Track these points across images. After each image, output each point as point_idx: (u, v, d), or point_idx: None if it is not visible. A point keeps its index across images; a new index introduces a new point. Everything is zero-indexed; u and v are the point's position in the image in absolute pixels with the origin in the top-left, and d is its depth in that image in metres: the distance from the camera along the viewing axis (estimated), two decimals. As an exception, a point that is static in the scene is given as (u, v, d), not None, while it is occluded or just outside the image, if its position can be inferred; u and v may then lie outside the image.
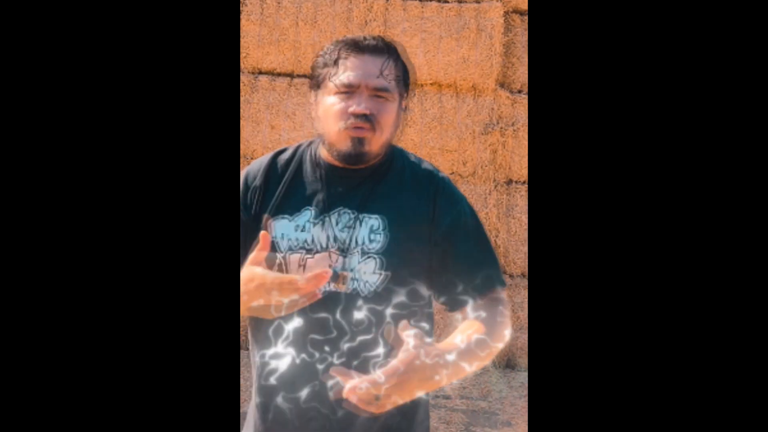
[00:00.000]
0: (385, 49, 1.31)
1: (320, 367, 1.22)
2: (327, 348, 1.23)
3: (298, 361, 1.22)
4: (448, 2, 4.48)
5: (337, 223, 1.29)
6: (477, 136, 4.41)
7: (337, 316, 1.24)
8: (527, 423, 3.45)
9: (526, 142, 4.42)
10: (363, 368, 1.16)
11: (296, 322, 1.20)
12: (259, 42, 4.50)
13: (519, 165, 4.46)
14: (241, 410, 1.41)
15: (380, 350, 1.20)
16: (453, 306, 1.29)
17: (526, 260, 4.41)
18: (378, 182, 1.33)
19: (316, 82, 1.34)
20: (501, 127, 4.41)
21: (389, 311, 1.24)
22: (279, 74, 4.55)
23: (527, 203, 4.43)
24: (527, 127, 4.41)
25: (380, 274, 1.26)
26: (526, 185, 4.49)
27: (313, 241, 1.28)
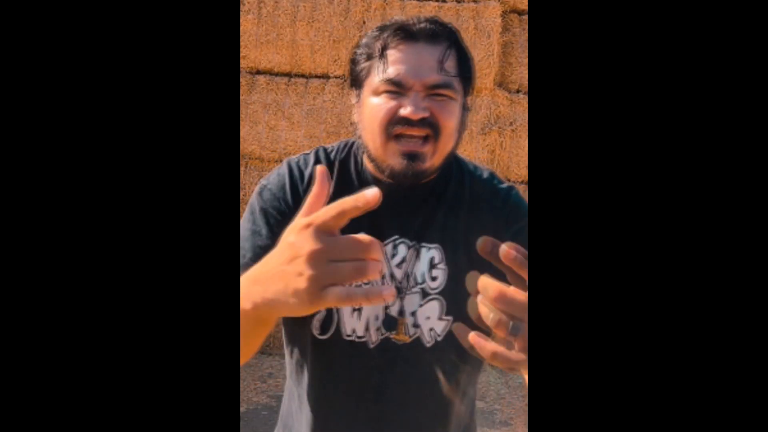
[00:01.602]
0: (444, 34, 1.02)
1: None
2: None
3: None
4: (446, 2, 4.48)
5: (392, 256, 1.02)
6: (475, 136, 4.41)
7: (392, 374, 1.02)
8: (525, 423, 3.46)
9: (524, 142, 4.42)
10: None
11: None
12: (256, 41, 4.50)
13: (517, 165, 4.47)
14: (241, 410, 1.41)
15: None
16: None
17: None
18: (438, 202, 1.05)
19: (356, 78, 1.05)
20: (499, 127, 4.42)
21: (449, 366, 1.01)
22: (277, 74, 4.55)
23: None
24: (525, 127, 4.42)
25: (446, 321, 1.01)
26: (524, 185, 4.49)
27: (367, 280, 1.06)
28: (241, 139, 4.42)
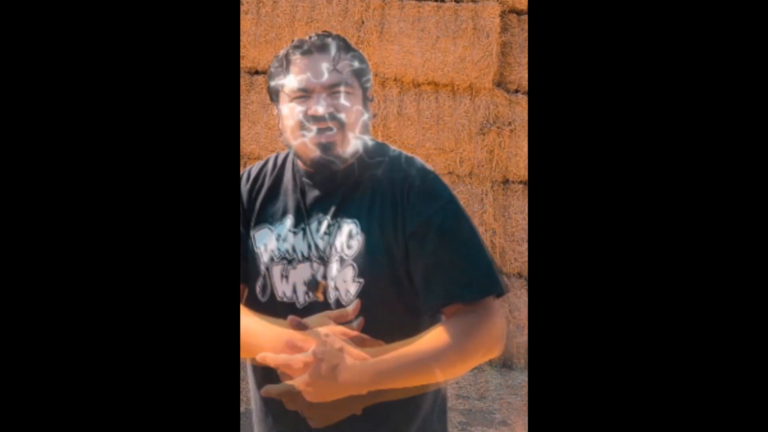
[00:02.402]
0: (333, 43, 1.22)
1: None
2: None
3: None
4: (445, 2, 4.48)
5: (317, 231, 1.22)
6: (474, 136, 4.41)
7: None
8: (525, 423, 3.47)
9: (523, 142, 4.42)
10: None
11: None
12: (255, 41, 4.50)
13: (516, 165, 4.47)
14: (240, 410, 1.41)
15: None
16: (430, 312, 1.18)
17: (523, 260, 4.41)
18: (355, 183, 1.24)
19: (273, 94, 1.27)
20: (498, 127, 4.42)
21: (367, 321, 1.15)
22: (275, 73, 4.53)
23: (524, 203, 4.45)
24: (524, 127, 4.42)
25: (358, 282, 1.18)
26: (523, 185, 4.49)
27: (294, 250, 1.23)
28: (240, 139, 4.42)
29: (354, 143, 1.21)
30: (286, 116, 1.22)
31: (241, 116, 4.45)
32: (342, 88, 1.20)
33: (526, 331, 4.33)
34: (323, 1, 4.46)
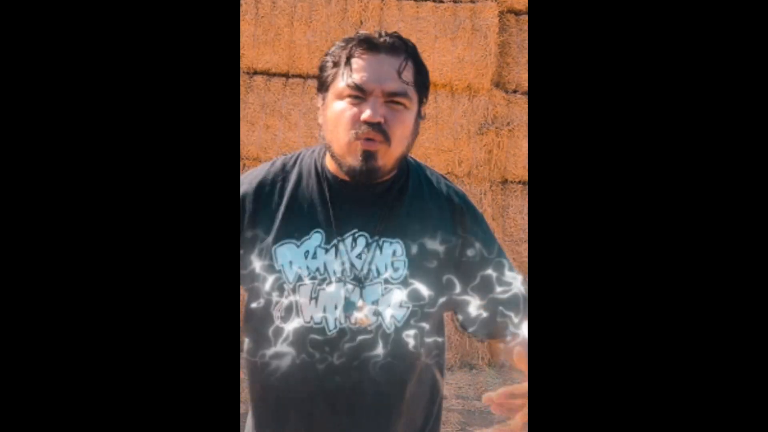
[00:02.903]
0: (403, 47, 1.13)
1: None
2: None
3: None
4: (443, 2, 4.48)
5: (352, 249, 1.13)
6: (472, 136, 4.41)
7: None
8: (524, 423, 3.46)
9: (522, 142, 4.42)
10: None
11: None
12: (254, 42, 4.49)
13: (514, 165, 4.47)
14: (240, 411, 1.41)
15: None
16: (494, 334, 1.16)
17: (522, 260, 4.41)
18: (396, 200, 1.16)
19: (323, 83, 1.16)
20: (496, 127, 4.42)
21: (407, 351, 1.11)
22: (274, 74, 4.54)
23: (523, 203, 4.45)
24: (523, 127, 4.42)
25: (406, 308, 1.11)
26: (522, 185, 4.50)
27: (325, 269, 1.12)
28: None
29: (395, 159, 1.14)
30: (336, 112, 1.12)
31: (240, 117, 4.45)
32: (401, 99, 1.11)
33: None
34: (322, 1, 4.46)
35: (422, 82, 1.15)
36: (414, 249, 1.13)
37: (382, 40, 1.12)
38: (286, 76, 4.53)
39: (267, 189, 1.19)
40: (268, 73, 4.55)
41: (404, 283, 1.11)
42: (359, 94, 1.10)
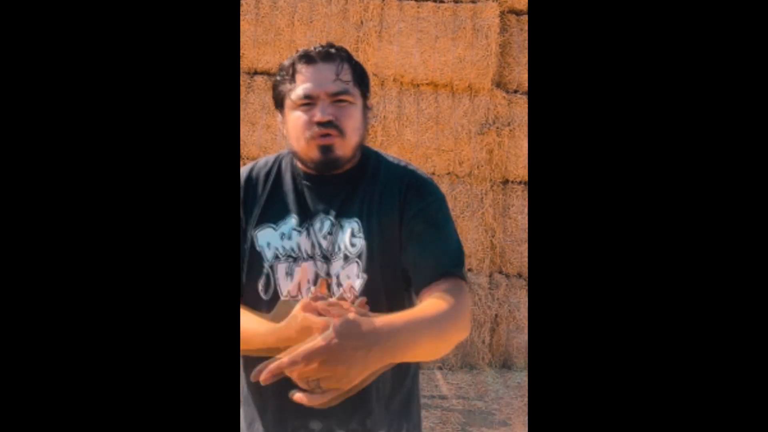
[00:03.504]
0: (335, 53, 1.32)
1: None
2: None
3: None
4: (444, 2, 4.48)
5: (320, 230, 1.30)
6: (473, 136, 4.41)
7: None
8: (524, 423, 3.47)
9: (522, 142, 4.43)
10: None
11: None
12: (254, 42, 4.50)
13: (515, 165, 4.47)
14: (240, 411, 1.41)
15: None
16: (421, 286, 1.24)
17: (522, 260, 4.42)
18: (355, 186, 1.33)
19: (279, 100, 1.36)
20: (497, 127, 4.42)
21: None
22: (275, 74, 4.53)
23: (523, 203, 4.45)
24: (523, 127, 4.42)
25: (362, 278, 1.27)
26: (522, 185, 4.50)
27: (299, 248, 1.29)
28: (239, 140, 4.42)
29: (352, 148, 1.31)
30: (293, 121, 1.31)
31: (241, 117, 4.45)
32: (344, 97, 1.29)
33: (526, 332, 4.33)
34: (322, 1, 4.46)
35: (360, 80, 1.33)
36: (368, 226, 1.29)
37: (316, 51, 1.31)
38: (287, 76, 4.52)
39: (253, 182, 1.37)
40: (268, 74, 4.56)
41: (359, 256, 1.27)
42: (308, 101, 1.29)
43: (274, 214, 1.32)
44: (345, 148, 1.30)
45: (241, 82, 4.48)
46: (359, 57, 4.39)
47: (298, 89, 1.29)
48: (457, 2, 4.48)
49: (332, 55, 1.31)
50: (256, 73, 4.57)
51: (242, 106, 4.47)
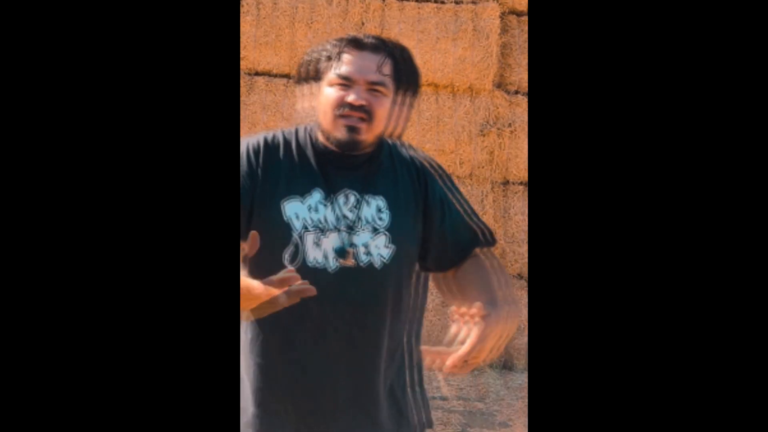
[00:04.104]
0: (383, 47, 1.41)
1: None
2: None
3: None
4: (444, 3, 4.48)
5: (345, 204, 1.41)
6: (474, 137, 4.41)
7: (351, 288, 1.37)
8: (525, 424, 3.46)
9: (523, 143, 4.42)
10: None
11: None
12: (255, 43, 4.50)
13: (516, 166, 4.47)
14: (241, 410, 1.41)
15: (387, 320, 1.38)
16: (453, 261, 1.45)
17: (523, 261, 4.41)
18: (376, 165, 1.45)
19: (315, 72, 1.43)
20: (498, 128, 4.42)
21: (394, 282, 1.40)
22: (275, 75, 4.54)
23: (524, 204, 4.44)
24: (524, 128, 4.42)
25: (390, 248, 1.40)
26: (523, 186, 4.49)
27: (326, 220, 1.39)
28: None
29: (375, 135, 1.42)
30: (327, 95, 1.39)
31: (241, 118, 4.44)
32: (379, 88, 1.38)
33: (526, 333, 4.32)
34: (323, 2, 4.46)
35: (399, 77, 1.43)
36: (394, 203, 1.43)
37: (367, 40, 1.41)
38: (288, 77, 4.52)
39: (272, 150, 1.45)
40: (269, 74, 4.55)
41: (389, 229, 1.41)
42: (346, 82, 1.38)
43: (299, 187, 1.41)
44: (369, 133, 1.39)
45: (242, 83, 4.48)
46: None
47: (342, 68, 1.38)
48: (457, 3, 4.47)
49: (379, 47, 1.40)
50: (256, 73, 4.56)
51: (243, 106, 4.46)
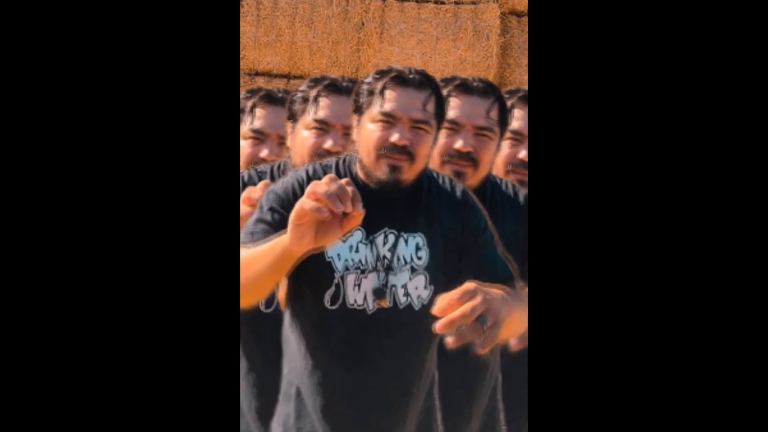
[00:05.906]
0: (428, 84, 1.38)
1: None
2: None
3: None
4: (444, 3, 4.49)
5: (383, 244, 1.38)
6: (474, 138, 4.40)
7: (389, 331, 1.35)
8: (525, 426, 3.45)
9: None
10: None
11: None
12: (255, 43, 4.50)
13: (516, 166, 4.46)
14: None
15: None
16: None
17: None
18: (415, 202, 1.41)
19: (358, 107, 1.41)
20: (498, 129, 4.41)
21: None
22: (275, 75, 4.54)
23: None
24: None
25: (429, 290, 1.36)
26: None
27: (366, 261, 1.37)
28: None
29: (417, 173, 1.39)
30: (368, 135, 1.37)
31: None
32: (423, 126, 1.36)
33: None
34: (323, 2, 4.46)
35: (441, 114, 1.41)
36: (432, 240, 1.38)
37: (411, 76, 1.38)
38: (288, 77, 4.53)
39: None
40: (269, 74, 4.56)
41: (427, 269, 1.37)
42: (389, 120, 1.35)
43: None
44: (411, 172, 1.37)
45: (243, 83, 4.48)
46: (360, 58, 4.40)
47: (386, 105, 1.35)
48: (458, 4, 4.48)
49: (424, 84, 1.37)
50: (256, 74, 4.57)
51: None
